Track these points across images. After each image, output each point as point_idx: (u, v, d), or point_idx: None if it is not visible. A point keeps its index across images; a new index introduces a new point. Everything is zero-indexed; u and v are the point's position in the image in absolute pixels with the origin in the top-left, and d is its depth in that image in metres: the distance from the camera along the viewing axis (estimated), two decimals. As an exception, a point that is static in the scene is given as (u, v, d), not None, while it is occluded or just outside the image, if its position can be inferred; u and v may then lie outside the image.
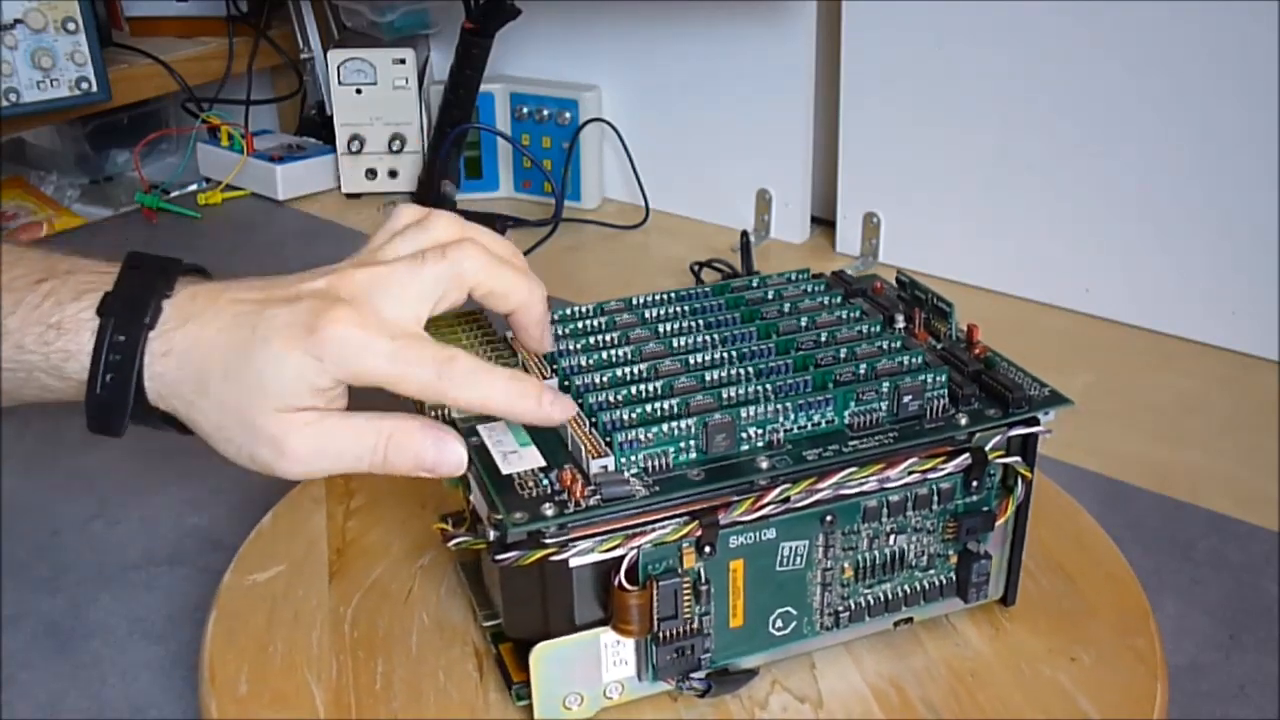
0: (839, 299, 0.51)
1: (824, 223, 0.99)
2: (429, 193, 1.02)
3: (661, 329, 0.48)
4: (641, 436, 0.40)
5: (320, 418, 0.39)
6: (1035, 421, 0.45)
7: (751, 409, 0.42)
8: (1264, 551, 0.58)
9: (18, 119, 0.99)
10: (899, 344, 0.47)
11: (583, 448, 0.40)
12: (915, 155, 0.90)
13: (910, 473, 0.42)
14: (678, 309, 0.50)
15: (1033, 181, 0.84)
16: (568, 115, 1.04)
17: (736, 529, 0.41)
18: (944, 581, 0.46)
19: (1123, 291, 0.82)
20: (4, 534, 0.59)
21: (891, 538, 0.44)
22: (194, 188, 1.13)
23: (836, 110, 0.93)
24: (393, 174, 1.09)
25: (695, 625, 0.42)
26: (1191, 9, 0.74)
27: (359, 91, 1.07)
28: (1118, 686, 0.45)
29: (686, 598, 0.41)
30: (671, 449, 0.41)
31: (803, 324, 0.48)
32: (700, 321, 0.49)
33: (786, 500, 0.41)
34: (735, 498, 0.40)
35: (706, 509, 0.40)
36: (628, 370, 0.45)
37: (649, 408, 0.42)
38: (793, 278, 0.53)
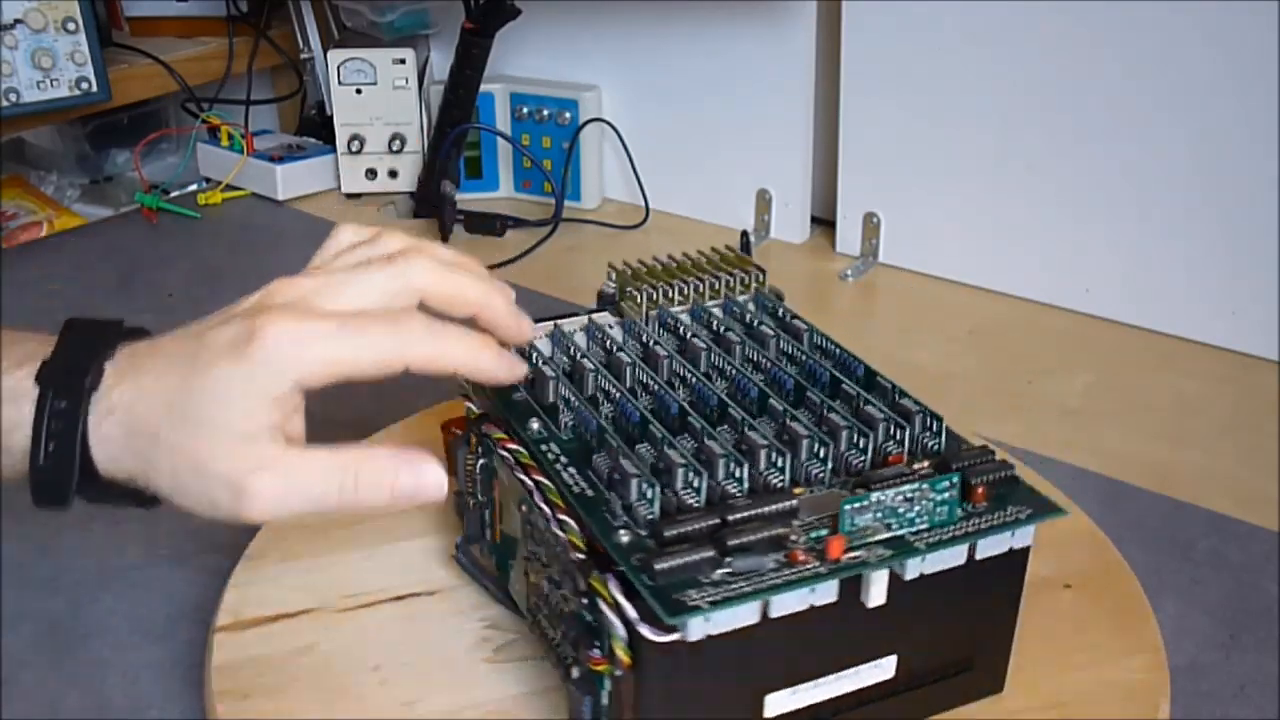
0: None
1: (824, 223, 0.99)
2: (429, 193, 1.02)
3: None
4: None
5: (280, 455, 0.36)
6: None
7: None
8: (1264, 551, 0.58)
9: (18, 119, 0.99)
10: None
11: None
12: (915, 155, 0.90)
13: (560, 528, 0.41)
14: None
15: (1033, 181, 0.84)
16: (568, 115, 1.04)
17: (498, 452, 0.45)
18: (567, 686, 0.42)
19: (1123, 291, 0.82)
20: (4, 534, 0.59)
21: (547, 579, 0.43)
22: (194, 188, 1.13)
23: (836, 110, 0.93)
24: (393, 174, 1.09)
25: (477, 505, 0.48)
26: (1191, 9, 0.74)
27: (359, 91, 1.07)
28: (1118, 686, 0.45)
29: (469, 473, 0.47)
30: None
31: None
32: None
33: (516, 459, 0.44)
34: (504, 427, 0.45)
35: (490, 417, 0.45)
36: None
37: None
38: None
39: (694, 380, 0.47)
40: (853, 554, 0.38)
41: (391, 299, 0.39)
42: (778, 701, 0.40)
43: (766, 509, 0.39)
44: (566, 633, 0.41)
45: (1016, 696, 0.45)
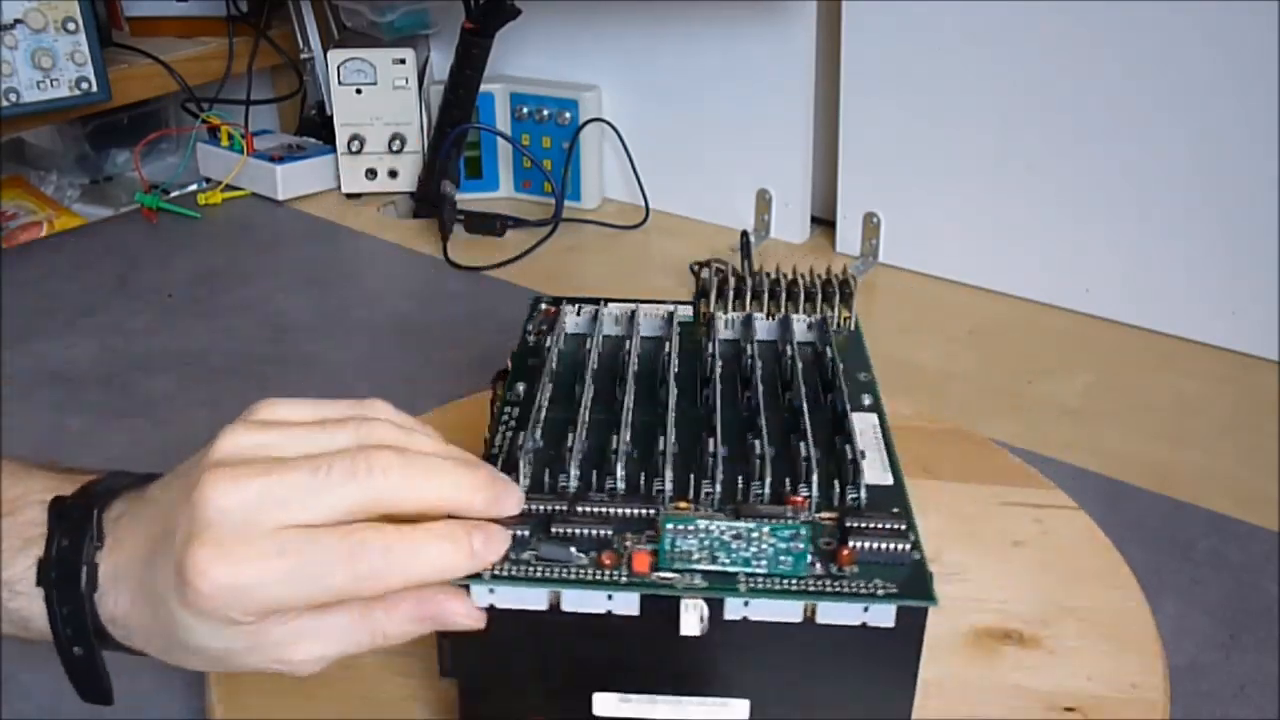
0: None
1: (824, 223, 0.99)
2: (429, 193, 1.02)
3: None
4: None
5: (294, 620, 0.35)
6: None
7: None
8: (1264, 551, 0.58)
9: (18, 119, 0.99)
10: None
11: None
12: (915, 155, 0.90)
13: None
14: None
15: (1033, 181, 0.84)
16: (568, 115, 1.04)
17: None
18: None
19: (1123, 291, 0.82)
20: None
21: None
22: (194, 188, 1.13)
23: (836, 110, 0.93)
24: (393, 174, 1.09)
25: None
26: (1192, 9, 0.74)
27: (359, 91, 1.07)
28: (1118, 687, 0.45)
29: (494, 420, 0.46)
30: None
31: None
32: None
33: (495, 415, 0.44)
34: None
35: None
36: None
37: None
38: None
39: (670, 398, 0.46)
40: (663, 574, 0.37)
41: (350, 515, 0.34)
42: (606, 703, 0.39)
43: (613, 510, 0.39)
44: None
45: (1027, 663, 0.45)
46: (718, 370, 0.48)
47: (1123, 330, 0.82)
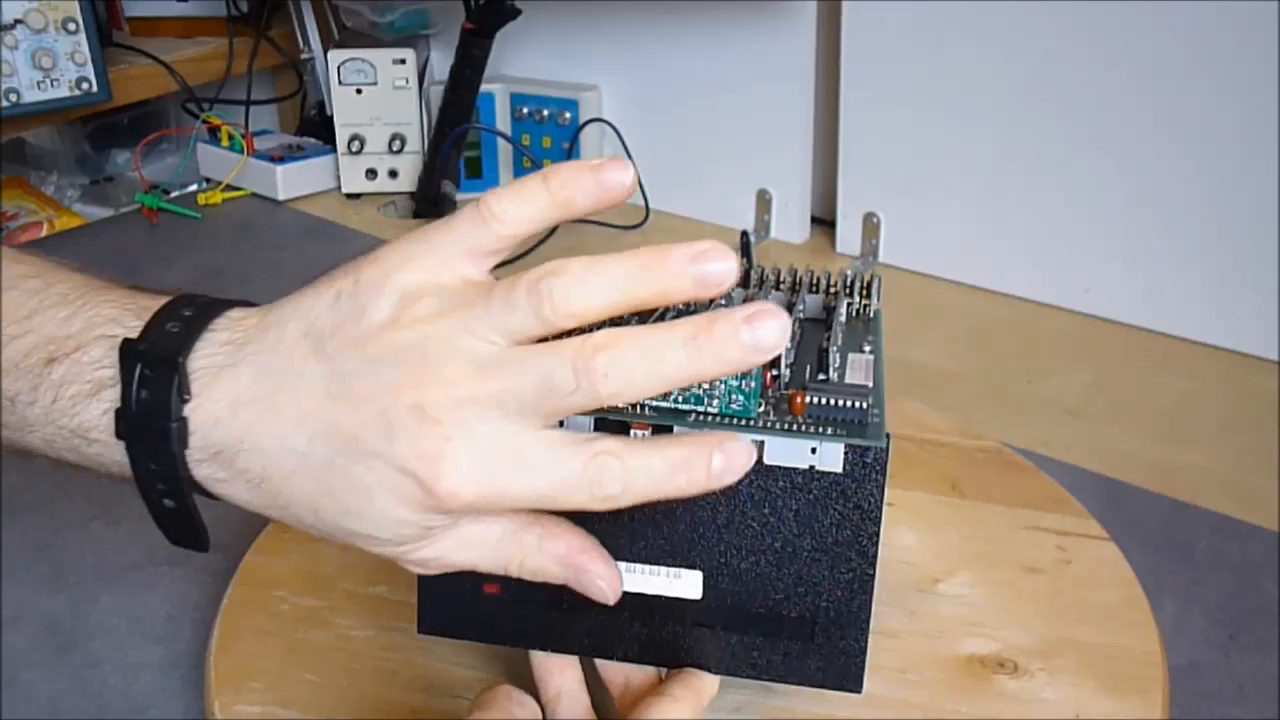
0: None
1: (824, 223, 0.99)
2: (429, 193, 1.02)
3: None
4: None
5: (471, 524, 0.35)
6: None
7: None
8: (1264, 551, 0.58)
9: (18, 119, 0.99)
10: None
11: None
12: (915, 155, 0.90)
13: None
14: None
15: (1032, 181, 0.84)
16: (568, 115, 1.04)
17: None
18: None
19: (1123, 291, 0.82)
20: (4, 534, 0.59)
21: None
22: (194, 188, 1.13)
23: (836, 110, 0.93)
24: (393, 174, 1.09)
25: None
26: (1192, 9, 0.74)
27: (359, 91, 1.07)
28: (1118, 687, 0.45)
29: None
30: None
31: None
32: None
33: None
34: None
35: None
36: None
37: None
38: None
39: None
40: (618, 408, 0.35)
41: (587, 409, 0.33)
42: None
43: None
44: None
45: (1016, 695, 0.45)
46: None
47: (1123, 330, 0.82)
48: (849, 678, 0.40)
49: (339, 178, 1.10)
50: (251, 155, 1.10)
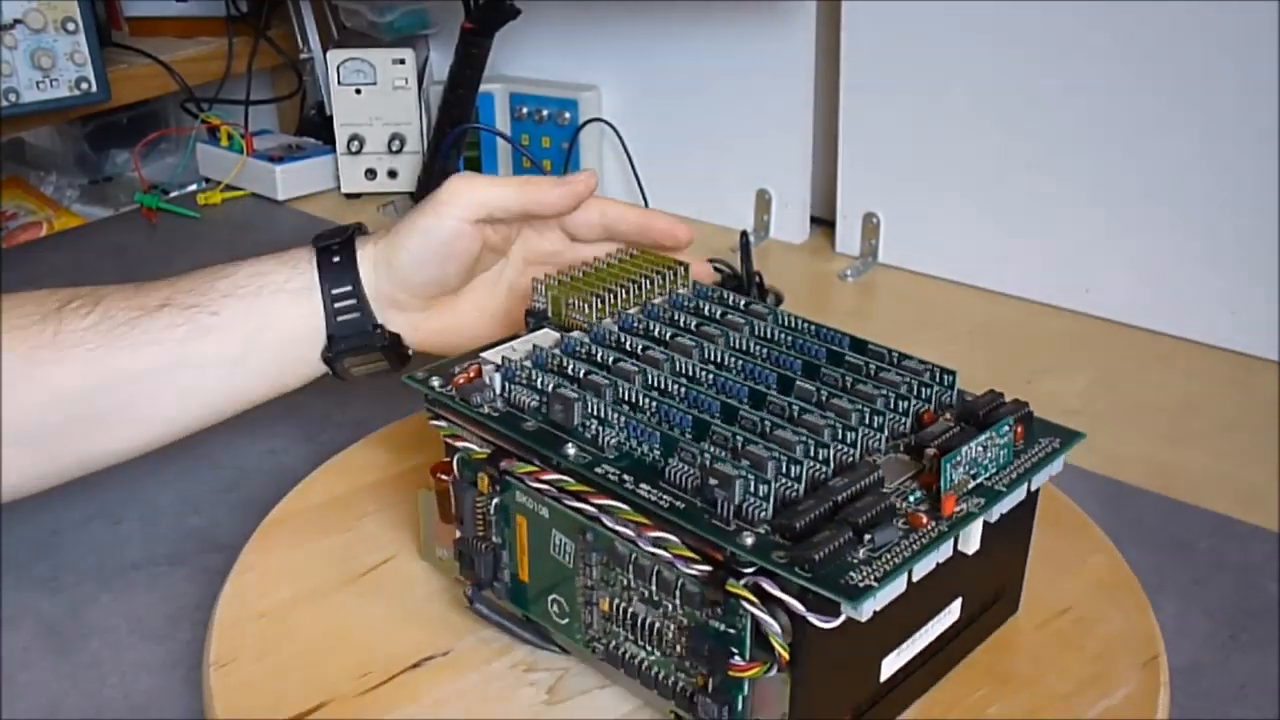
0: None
1: (824, 223, 0.99)
2: (429, 193, 1.02)
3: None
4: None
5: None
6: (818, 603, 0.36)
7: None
8: (1264, 551, 0.58)
9: (17, 119, 0.99)
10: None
11: None
12: (915, 155, 0.90)
13: (658, 546, 0.39)
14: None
15: (1032, 181, 0.84)
16: (568, 115, 1.04)
17: (522, 488, 0.43)
18: (698, 700, 0.40)
19: (1123, 291, 0.82)
20: (4, 534, 0.59)
21: (636, 601, 0.41)
22: (194, 188, 1.13)
23: (836, 110, 0.93)
24: (392, 174, 1.09)
25: (490, 548, 0.45)
26: (1192, 9, 0.74)
27: (359, 91, 1.07)
28: (1118, 687, 0.45)
29: (479, 516, 0.45)
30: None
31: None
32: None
33: (560, 489, 0.42)
34: (533, 459, 0.43)
35: (505, 451, 0.44)
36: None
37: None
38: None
39: (708, 376, 0.45)
40: (958, 508, 0.40)
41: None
42: (890, 663, 0.41)
43: (864, 482, 0.40)
44: (686, 649, 0.39)
45: (1015, 694, 0.45)
46: (722, 344, 0.47)
47: (1123, 330, 0.82)
48: (1016, 600, 0.49)
49: (338, 178, 1.10)
50: (251, 155, 1.10)
